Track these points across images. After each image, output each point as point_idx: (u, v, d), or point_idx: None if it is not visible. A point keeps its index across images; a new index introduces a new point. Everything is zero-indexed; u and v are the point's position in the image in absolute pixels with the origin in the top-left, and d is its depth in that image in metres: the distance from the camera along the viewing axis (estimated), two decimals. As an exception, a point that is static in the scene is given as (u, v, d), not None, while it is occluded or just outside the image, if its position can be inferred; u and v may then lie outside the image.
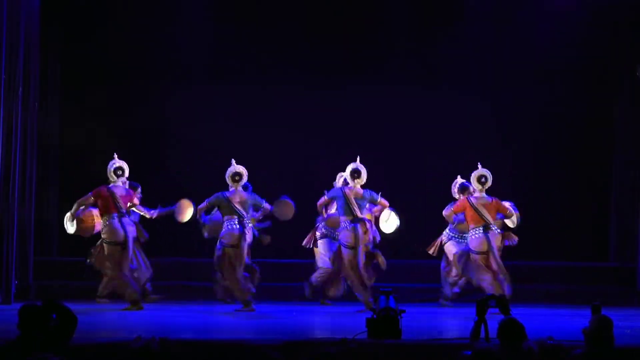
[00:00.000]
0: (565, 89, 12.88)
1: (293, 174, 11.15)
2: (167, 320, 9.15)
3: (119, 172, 10.17)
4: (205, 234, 10.23)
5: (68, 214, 10.17)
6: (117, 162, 10.22)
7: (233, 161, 10.08)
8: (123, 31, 12.40)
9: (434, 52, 12.82)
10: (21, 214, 10.75)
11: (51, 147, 12.29)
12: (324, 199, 10.07)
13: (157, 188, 11.34)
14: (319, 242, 10.55)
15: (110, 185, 10.12)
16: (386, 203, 10.02)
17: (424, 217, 11.26)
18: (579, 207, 12.62)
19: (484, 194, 10.00)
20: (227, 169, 10.06)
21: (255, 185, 10.35)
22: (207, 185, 10.52)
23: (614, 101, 12.83)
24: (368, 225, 9.93)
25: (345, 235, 9.90)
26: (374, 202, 10.04)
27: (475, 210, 9.88)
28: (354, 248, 9.85)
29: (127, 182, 10.29)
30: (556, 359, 6.37)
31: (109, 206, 10.02)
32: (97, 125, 12.55)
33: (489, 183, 10.02)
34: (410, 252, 11.55)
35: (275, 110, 12.69)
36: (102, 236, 10.05)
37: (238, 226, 9.85)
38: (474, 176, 10.07)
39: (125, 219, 10.06)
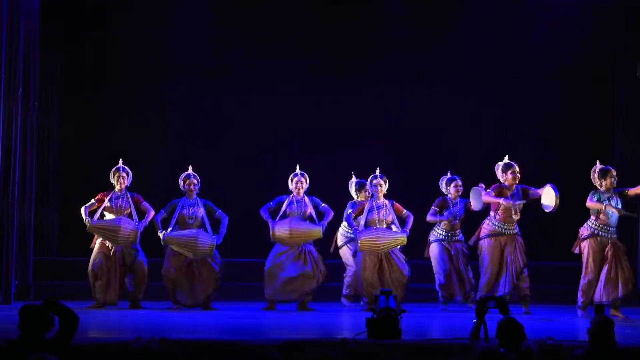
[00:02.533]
0: (565, 89, 12.89)
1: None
2: (167, 320, 9.15)
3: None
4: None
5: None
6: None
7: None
8: (123, 31, 12.41)
9: (434, 53, 12.83)
10: (21, 214, 10.75)
11: (51, 146, 12.30)
12: (269, 205, 10.21)
13: (157, 188, 11.35)
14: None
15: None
16: (326, 210, 10.18)
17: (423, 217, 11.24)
18: (580, 207, 12.60)
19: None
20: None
21: (254, 184, 10.36)
22: (206, 185, 10.50)
23: (614, 101, 12.84)
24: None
25: None
26: (316, 208, 10.22)
27: None
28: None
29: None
30: (556, 359, 6.36)
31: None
32: (97, 125, 12.57)
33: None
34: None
35: (275, 110, 12.71)
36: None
37: None
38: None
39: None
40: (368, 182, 10.36)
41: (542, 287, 11.07)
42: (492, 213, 10.06)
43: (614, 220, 9.76)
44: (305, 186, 10.21)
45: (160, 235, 9.96)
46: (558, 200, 9.76)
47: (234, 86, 12.78)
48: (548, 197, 9.90)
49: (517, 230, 10.06)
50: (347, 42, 12.84)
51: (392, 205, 10.22)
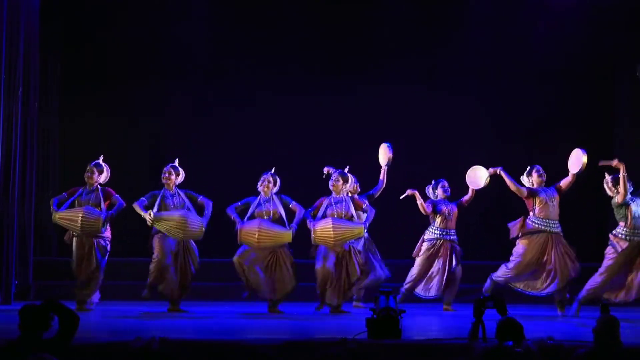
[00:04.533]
0: (565, 89, 12.90)
1: (293, 173, 11.14)
2: (167, 320, 9.15)
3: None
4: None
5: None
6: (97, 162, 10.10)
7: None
8: (123, 31, 12.41)
9: (434, 53, 12.83)
10: (21, 214, 10.76)
11: (51, 146, 12.30)
12: (236, 205, 9.86)
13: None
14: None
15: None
16: (297, 209, 9.78)
17: (420, 217, 11.25)
18: (579, 208, 12.62)
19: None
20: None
21: (254, 184, 10.34)
22: (205, 185, 10.50)
23: (614, 101, 12.85)
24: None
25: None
26: (286, 206, 9.81)
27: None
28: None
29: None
30: (556, 359, 6.36)
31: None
32: (97, 125, 12.56)
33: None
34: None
35: (275, 110, 12.71)
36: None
37: None
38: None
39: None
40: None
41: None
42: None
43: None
44: (273, 187, 9.80)
45: (147, 216, 9.62)
46: (585, 158, 9.88)
47: (234, 86, 12.78)
48: (576, 158, 10.00)
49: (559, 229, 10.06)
50: (347, 42, 12.84)
51: (352, 200, 9.90)
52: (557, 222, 10.03)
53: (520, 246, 9.99)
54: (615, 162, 9.71)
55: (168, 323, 8.84)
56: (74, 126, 12.56)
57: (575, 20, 12.55)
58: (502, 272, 10.03)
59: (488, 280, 10.07)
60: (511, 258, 10.02)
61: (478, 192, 10.54)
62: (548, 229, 9.96)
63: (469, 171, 10.49)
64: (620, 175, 9.65)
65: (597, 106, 12.93)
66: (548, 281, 9.91)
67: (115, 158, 10.52)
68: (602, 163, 9.85)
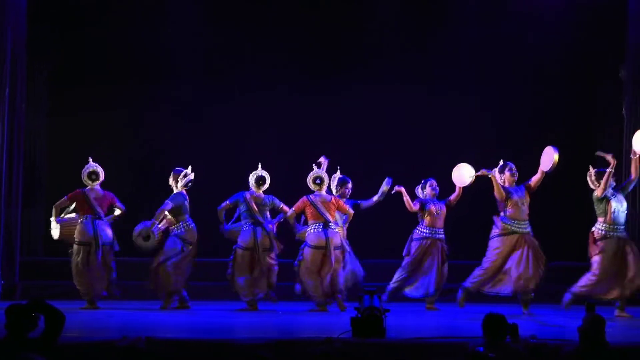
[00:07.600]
0: (565, 89, 12.99)
1: (291, 174, 11.17)
2: (154, 319, 9.16)
3: (93, 177, 10.13)
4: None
5: (52, 220, 10.16)
6: (92, 167, 10.18)
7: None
8: (112, 32, 12.40)
9: (434, 53, 12.88)
10: (8, 215, 10.76)
11: (38, 147, 12.30)
12: (225, 203, 10.14)
13: (153, 188, 11.35)
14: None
15: (85, 189, 10.10)
16: (287, 209, 10.07)
17: (408, 216, 11.28)
18: (578, 207, 12.66)
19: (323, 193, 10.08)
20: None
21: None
22: (203, 185, 10.53)
23: (614, 102, 12.93)
24: (269, 230, 10.03)
25: (244, 236, 10.02)
26: (274, 208, 10.17)
27: (315, 207, 9.97)
28: (250, 250, 9.96)
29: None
30: (542, 358, 6.39)
31: (84, 208, 10.07)
32: (85, 126, 12.55)
33: (325, 184, 10.10)
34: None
35: (275, 110, 12.72)
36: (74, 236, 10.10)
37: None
38: (310, 177, 10.14)
39: (100, 222, 10.05)
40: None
41: (541, 287, 11.12)
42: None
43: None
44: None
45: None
46: (557, 156, 9.79)
47: (233, 86, 12.78)
48: (547, 156, 9.92)
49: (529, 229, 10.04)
50: (346, 42, 12.87)
51: (337, 203, 10.17)
52: (526, 222, 10.01)
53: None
54: (610, 157, 9.70)
55: (154, 322, 8.85)
56: (61, 127, 12.53)
57: (575, 20, 12.57)
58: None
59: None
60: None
61: (466, 191, 10.56)
62: (519, 230, 9.99)
63: (454, 169, 10.50)
64: (607, 170, 9.68)
65: (596, 107, 13.02)
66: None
67: (105, 159, 10.51)
68: (599, 153, 9.83)
